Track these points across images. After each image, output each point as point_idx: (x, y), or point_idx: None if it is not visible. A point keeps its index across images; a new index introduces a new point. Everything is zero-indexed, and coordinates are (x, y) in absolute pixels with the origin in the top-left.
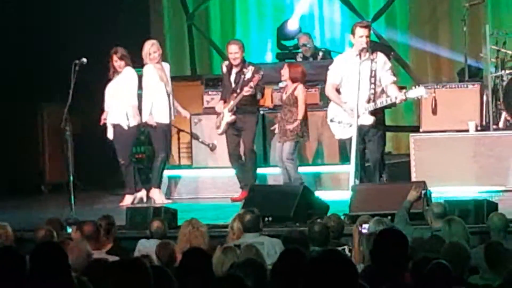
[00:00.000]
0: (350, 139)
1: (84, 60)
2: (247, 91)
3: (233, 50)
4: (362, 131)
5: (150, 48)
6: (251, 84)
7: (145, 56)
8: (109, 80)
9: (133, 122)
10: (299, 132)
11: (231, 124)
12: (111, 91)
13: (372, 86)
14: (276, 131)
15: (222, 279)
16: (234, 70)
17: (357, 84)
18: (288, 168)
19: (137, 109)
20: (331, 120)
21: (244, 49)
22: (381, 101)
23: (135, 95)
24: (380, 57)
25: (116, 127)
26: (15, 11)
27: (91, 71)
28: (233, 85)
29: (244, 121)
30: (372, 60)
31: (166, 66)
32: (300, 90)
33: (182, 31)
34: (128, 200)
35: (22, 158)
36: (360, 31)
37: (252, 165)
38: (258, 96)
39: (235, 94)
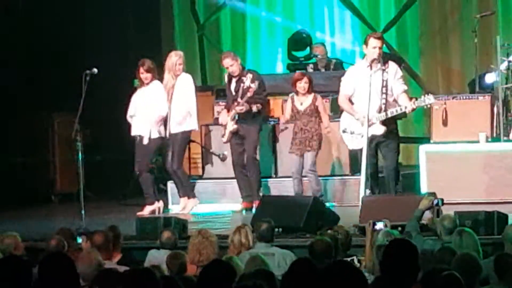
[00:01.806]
0: (362, 150)
1: (95, 70)
2: (240, 109)
3: (228, 63)
4: (375, 142)
5: (179, 59)
6: (241, 101)
7: (172, 66)
8: (135, 88)
9: (155, 134)
10: (321, 141)
11: (235, 133)
12: (137, 100)
13: (384, 96)
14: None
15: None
16: (234, 79)
17: (368, 95)
18: (310, 179)
19: (160, 122)
20: (344, 131)
21: (238, 58)
22: (392, 111)
23: (163, 108)
24: (392, 66)
25: (138, 137)
26: (26, 21)
27: (101, 81)
28: (234, 93)
29: (247, 129)
30: (383, 70)
31: (189, 77)
32: (320, 99)
33: (193, 42)
34: (147, 210)
35: (33, 168)
36: (374, 42)
37: (254, 174)
38: (254, 109)
39: (235, 103)
